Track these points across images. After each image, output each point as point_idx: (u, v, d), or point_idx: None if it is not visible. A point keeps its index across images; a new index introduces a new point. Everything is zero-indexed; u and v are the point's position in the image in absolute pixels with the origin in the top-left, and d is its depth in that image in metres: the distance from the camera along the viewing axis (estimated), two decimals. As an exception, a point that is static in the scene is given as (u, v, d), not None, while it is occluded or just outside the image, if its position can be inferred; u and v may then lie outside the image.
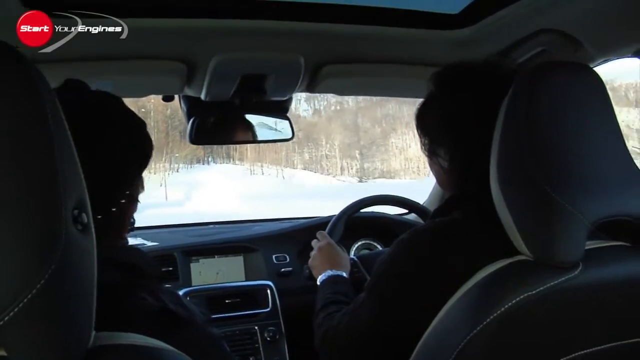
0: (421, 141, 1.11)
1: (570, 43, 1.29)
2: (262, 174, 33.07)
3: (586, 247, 0.82)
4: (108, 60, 1.34)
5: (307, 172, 35.36)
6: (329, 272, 1.43)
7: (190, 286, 1.80)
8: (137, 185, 0.92)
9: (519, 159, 0.82)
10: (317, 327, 1.20)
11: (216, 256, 1.92)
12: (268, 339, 1.72)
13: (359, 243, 2.06)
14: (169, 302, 0.79)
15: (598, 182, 0.82)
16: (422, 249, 0.97)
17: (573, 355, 0.82)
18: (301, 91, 1.67)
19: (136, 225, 0.96)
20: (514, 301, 0.79)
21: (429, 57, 1.52)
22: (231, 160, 33.16)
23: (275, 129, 1.81)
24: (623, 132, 0.88)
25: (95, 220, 0.56)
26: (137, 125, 0.91)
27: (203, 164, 32.43)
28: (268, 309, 1.77)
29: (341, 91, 1.89)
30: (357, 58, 1.50)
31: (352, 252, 2.02)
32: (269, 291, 1.80)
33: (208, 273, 1.88)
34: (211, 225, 2.34)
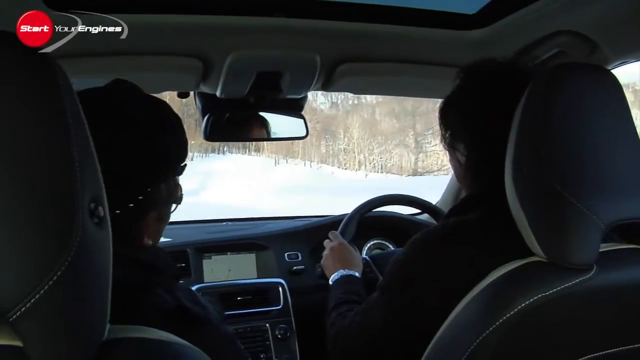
0: (442, 134, 1.11)
1: (587, 44, 1.29)
2: (287, 163, 32.77)
3: (600, 250, 0.81)
4: (123, 55, 1.34)
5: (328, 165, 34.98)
6: (342, 272, 1.43)
7: (202, 283, 1.80)
8: (159, 190, 0.87)
9: (534, 160, 0.82)
10: (329, 327, 1.20)
11: (228, 253, 1.91)
12: (279, 336, 1.72)
13: (371, 243, 2.06)
14: (185, 300, 0.79)
15: (613, 185, 0.82)
16: (434, 249, 0.97)
17: (586, 357, 0.82)
18: (316, 89, 1.67)
19: None
20: (527, 302, 0.78)
21: (444, 57, 1.51)
22: (247, 151, 32.84)
23: (290, 127, 1.81)
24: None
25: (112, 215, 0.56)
26: (161, 130, 0.86)
27: (218, 154, 31.97)
28: (279, 307, 1.77)
29: (356, 90, 1.89)
30: (372, 57, 1.50)
31: (364, 252, 2.02)
32: (280, 289, 1.80)
33: (220, 270, 1.88)
34: (224, 222, 2.35)
